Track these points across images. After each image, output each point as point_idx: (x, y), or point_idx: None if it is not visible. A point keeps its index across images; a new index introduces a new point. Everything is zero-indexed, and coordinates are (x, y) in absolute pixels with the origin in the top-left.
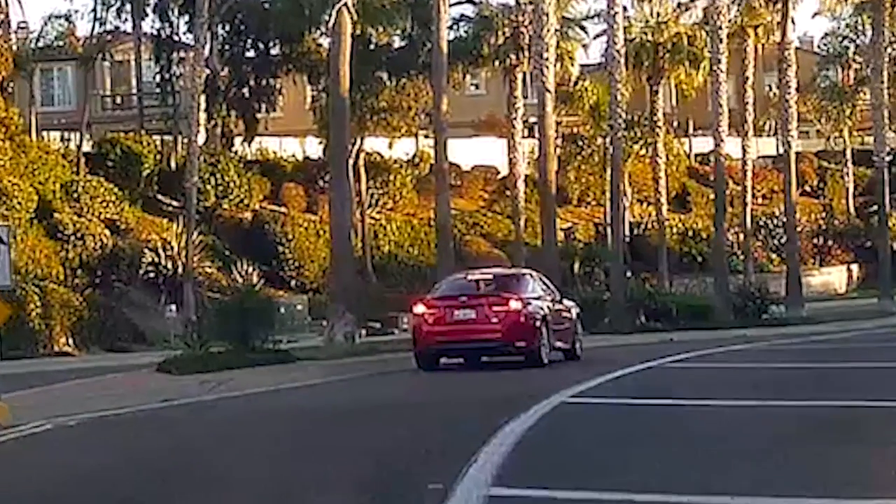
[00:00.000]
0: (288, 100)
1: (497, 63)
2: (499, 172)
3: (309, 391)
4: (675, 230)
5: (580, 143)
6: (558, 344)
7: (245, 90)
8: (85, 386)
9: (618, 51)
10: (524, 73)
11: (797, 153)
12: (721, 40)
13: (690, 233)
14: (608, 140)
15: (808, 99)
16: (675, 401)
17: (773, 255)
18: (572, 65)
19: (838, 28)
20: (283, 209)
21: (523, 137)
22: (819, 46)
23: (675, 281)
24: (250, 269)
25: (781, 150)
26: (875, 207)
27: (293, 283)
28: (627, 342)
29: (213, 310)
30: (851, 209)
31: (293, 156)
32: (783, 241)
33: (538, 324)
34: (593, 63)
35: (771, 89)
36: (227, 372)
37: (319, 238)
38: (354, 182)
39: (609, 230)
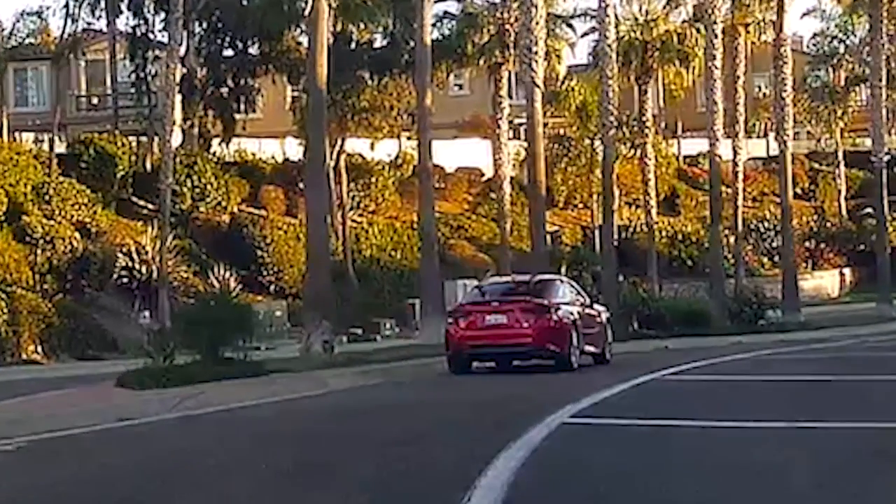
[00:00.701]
0: (268, 100)
1: (482, 61)
2: (483, 174)
3: (280, 409)
4: (664, 233)
5: (566, 144)
6: (588, 348)
7: (223, 90)
8: (33, 402)
9: (609, 45)
10: (510, 72)
11: None
12: (716, 35)
13: (680, 236)
14: (599, 139)
15: (798, 99)
16: (699, 422)
17: (765, 259)
18: (559, 63)
19: (827, 28)
20: (262, 212)
21: (509, 139)
22: (808, 46)
23: (665, 285)
24: (228, 274)
25: (776, 151)
26: (868, 210)
27: (272, 288)
28: (621, 350)
29: (180, 317)
30: (843, 212)
31: (273, 157)
32: (774, 244)
33: (568, 328)
34: (580, 64)
35: (760, 90)
36: (193, 386)
37: (299, 242)
38: (335, 184)
39: (598, 233)
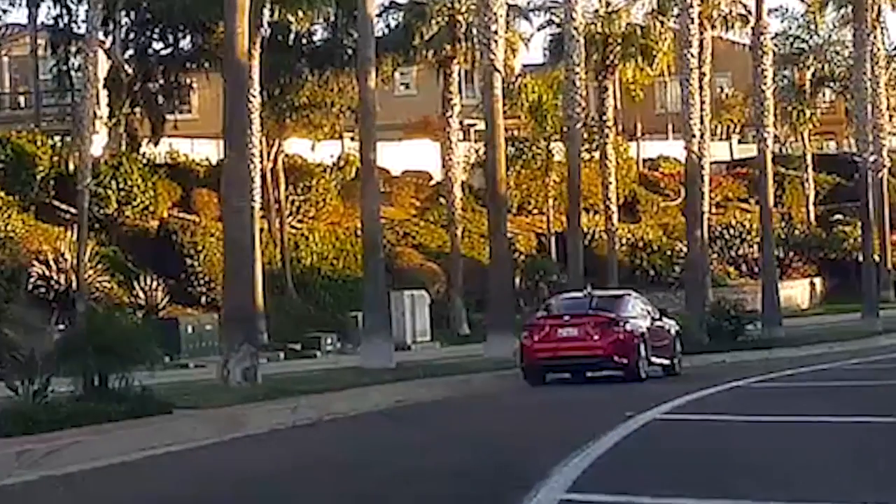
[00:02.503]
0: (202, 98)
1: (431, 54)
2: (432, 178)
3: (169, 465)
4: (624, 241)
5: (520, 145)
6: (657, 360)
7: (152, 86)
8: None
9: (575, 27)
10: (460, 67)
11: (752, 158)
12: (692, 19)
13: (641, 244)
14: (557, 139)
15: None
16: None
17: (731, 268)
18: (514, 56)
19: (790, 28)
20: (194, 217)
21: (459, 140)
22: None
23: None
24: (155, 284)
25: (740, 154)
26: (838, 216)
27: (203, 299)
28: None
29: (57, 340)
30: (812, 218)
31: (207, 159)
32: (741, 252)
33: (636, 341)
34: (533, 63)
35: (723, 90)
36: (65, 432)
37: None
38: (272, 187)
39: (554, 241)
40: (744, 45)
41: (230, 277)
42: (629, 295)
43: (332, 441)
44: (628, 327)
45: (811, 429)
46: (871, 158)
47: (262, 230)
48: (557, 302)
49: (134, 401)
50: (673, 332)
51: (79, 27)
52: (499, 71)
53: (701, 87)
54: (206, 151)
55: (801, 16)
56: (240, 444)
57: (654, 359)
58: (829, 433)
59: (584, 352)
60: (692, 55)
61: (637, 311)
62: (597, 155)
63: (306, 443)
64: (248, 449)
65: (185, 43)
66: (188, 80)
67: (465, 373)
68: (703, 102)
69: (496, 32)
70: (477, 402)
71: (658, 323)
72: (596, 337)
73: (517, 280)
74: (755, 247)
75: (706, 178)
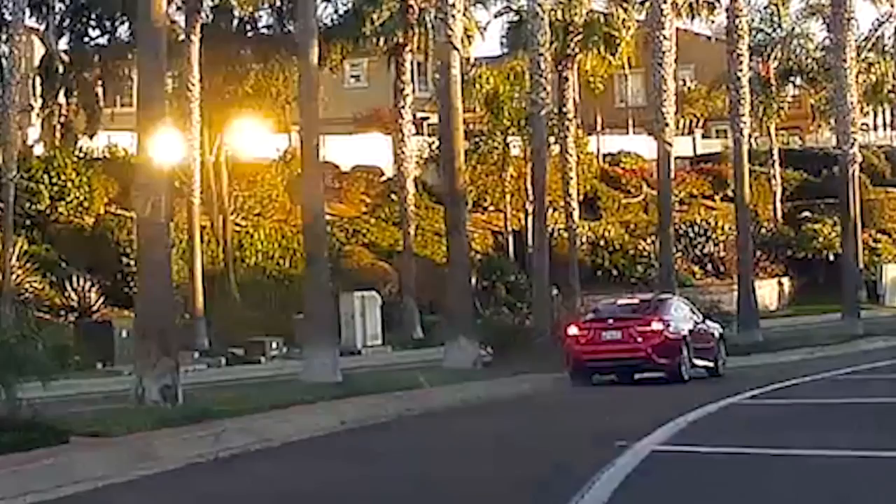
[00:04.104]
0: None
1: (382, 42)
2: (383, 174)
3: None
4: (585, 239)
5: (476, 139)
6: (700, 362)
7: (88, 75)
8: None
9: (539, 4)
10: (413, 59)
11: (716, 153)
12: None
13: (602, 242)
14: (515, 132)
15: (725, 95)
16: None
17: (696, 268)
18: (470, 44)
19: (752, 21)
20: (132, 214)
21: (412, 134)
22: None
23: (587, 298)
24: (88, 285)
25: (703, 150)
26: (806, 213)
27: None
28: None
29: None
30: (779, 216)
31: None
32: (705, 251)
33: (678, 343)
34: (488, 56)
35: (685, 83)
36: None
37: (174, 248)
38: (215, 183)
39: (512, 239)
40: (708, 36)
41: (143, 280)
42: (672, 299)
43: (259, 482)
44: (670, 330)
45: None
46: (852, 151)
47: (203, 227)
48: (603, 306)
49: (22, 428)
50: (716, 334)
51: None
52: (457, 49)
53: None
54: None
55: (765, 8)
56: (145, 485)
57: (697, 361)
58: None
59: (627, 354)
60: (665, 37)
61: (680, 315)
62: (557, 149)
63: (223, 485)
64: (153, 494)
65: (123, 30)
66: (127, 70)
67: (421, 386)
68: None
69: (454, 6)
70: (436, 423)
71: (701, 326)
72: (639, 339)
73: (473, 280)
74: (721, 245)
75: (672, 174)
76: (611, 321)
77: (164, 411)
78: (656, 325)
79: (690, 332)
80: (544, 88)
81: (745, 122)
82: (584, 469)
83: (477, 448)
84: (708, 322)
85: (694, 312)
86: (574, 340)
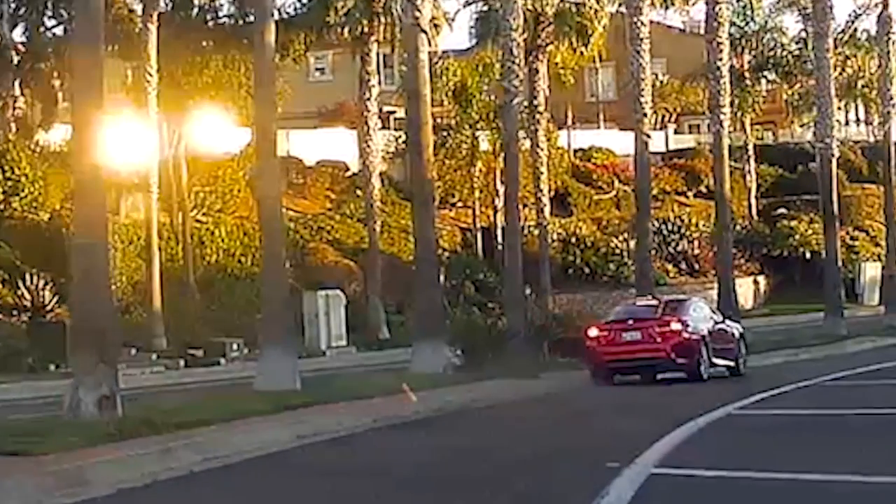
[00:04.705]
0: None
1: (346, 32)
2: (348, 169)
3: None
4: (556, 237)
5: (444, 133)
6: (720, 361)
7: (43, 66)
8: None
9: None
10: (379, 51)
11: (689, 149)
12: None
13: (574, 239)
14: (486, 125)
15: (697, 88)
16: None
17: (669, 266)
18: (438, 33)
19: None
20: None
21: (378, 128)
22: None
23: (558, 297)
24: (42, 283)
25: (676, 145)
26: (782, 210)
27: None
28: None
29: None
30: (754, 212)
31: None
32: (679, 248)
33: (697, 343)
34: (458, 49)
35: (657, 77)
36: None
37: (131, 245)
38: (174, 178)
39: (481, 236)
40: (681, 29)
41: (77, 280)
42: (692, 299)
43: None
44: (689, 330)
45: None
46: (834, 144)
47: (162, 224)
48: (623, 308)
49: None
50: (736, 334)
51: None
52: (424, 31)
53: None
54: (107, 140)
55: (737, 1)
56: None
57: (717, 360)
58: None
59: (646, 354)
60: (642, 23)
61: (699, 315)
62: (527, 143)
63: None
64: None
65: None
66: None
67: (388, 393)
68: (643, 88)
69: None
70: (403, 437)
71: (721, 326)
72: (658, 340)
73: (440, 277)
74: (695, 243)
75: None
76: (631, 322)
77: (100, 425)
78: (675, 326)
79: (710, 332)
80: (517, 76)
81: (725, 114)
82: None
83: (447, 474)
84: (728, 322)
85: (714, 313)
86: (595, 341)
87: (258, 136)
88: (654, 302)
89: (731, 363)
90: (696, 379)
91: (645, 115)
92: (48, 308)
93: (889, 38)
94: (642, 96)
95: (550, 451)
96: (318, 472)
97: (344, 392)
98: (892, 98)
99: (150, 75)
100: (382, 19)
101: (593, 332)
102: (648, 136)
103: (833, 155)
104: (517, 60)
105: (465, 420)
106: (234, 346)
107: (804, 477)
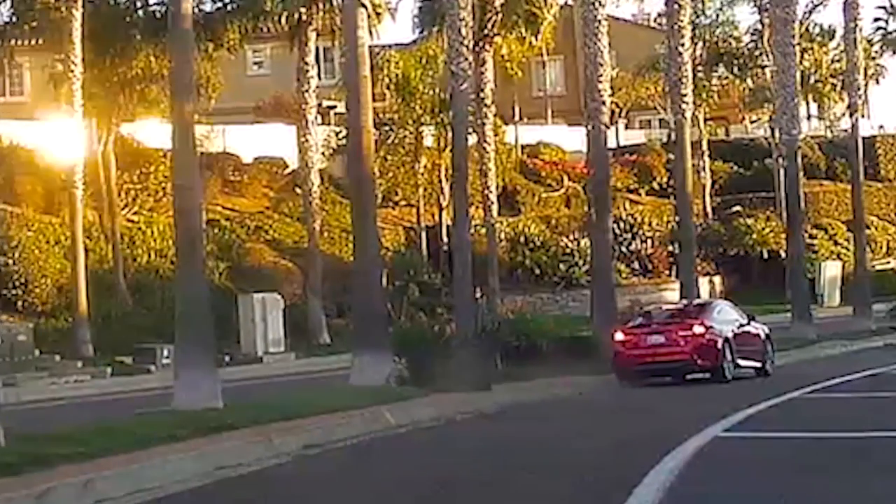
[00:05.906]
0: (32, 76)
1: (283, 20)
2: (287, 165)
3: None
4: (504, 235)
5: (386, 128)
6: (745, 362)
7: None
8: None
9: None
10: (318, 39)
11: (640, 145)
12: None
13: (522, 239)
14: (430, 120)
15: (649, 82)
16: None
17: (622, 266)
18: (379, 22)
19: None
20: (15, 209)
21: (318, 124)
22: (657, 24)
23: (506, 299)
24: None
25: (627, 141)
26: (737, 208)
27: (19, 304)
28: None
29: None
30: (709, 210)
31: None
32: (632, 248)
33: (720, 345)
34: (401, 43)
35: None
36: None
37: (57, 246)
38: (103, 174)
39: (425, 235)
40: (634, 21)
41: None
42: (716, 302)
43: None
44: (712, 332)
45: None
46: (800, 137)
47: (91, 223)
48: (650, 312)
49: None
50: (763, 335)
51: None
52: (364, 5)
53: (598, 65)
54: (36, 136)
55: None
56: None
57: (742, 361)
58: None
59: (670, 357)
60: (600, 3)
61: (723, 318)
62: (473, 139)
63: None
64: None
65: (3, 9)
66: (15, 58)
67: (326, 411)
68: (601, 82)
69: None
70: (341, 467)
71: (746, 328)
72: (682, 343)
73: (384, 279)
74: (648, 242)
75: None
76: (655, 325)
77: None
78: (698, 329)
79: (735, 333)
80: (465, 58)
81: (687, 103)
82: None
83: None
84: (754, 323)
85: (740, 315)
86: (620, 345)
87: (174, 117)
88: (679, 305)
89: (758, 364)
90: (719, 380)
91: (604, 103)
92: None
93: (856, 26)
94: (600, 82)
95: (508, 482)
96: None
97: (275, 409)
98: (858, 89)
99: (75, 65)
100: (320, 5)
101: (619, 336)
102: (607, 127)
103: (798, 149)
104: (465, 41)
105: (410, 444)
106: (166, 353)
107: None
